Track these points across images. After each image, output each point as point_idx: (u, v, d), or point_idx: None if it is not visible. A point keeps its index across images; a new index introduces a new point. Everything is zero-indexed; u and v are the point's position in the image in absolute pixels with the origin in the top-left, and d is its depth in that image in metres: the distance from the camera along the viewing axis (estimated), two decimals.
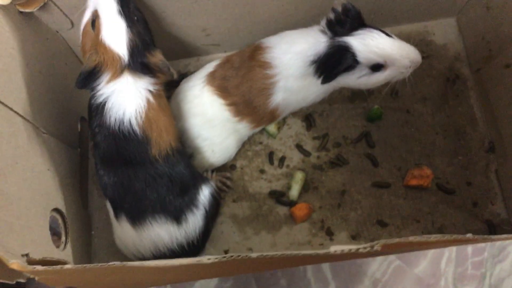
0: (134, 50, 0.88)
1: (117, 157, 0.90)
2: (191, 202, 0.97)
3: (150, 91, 0.90)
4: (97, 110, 0.90)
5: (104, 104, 0.89)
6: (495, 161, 1.15)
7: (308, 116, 1.22)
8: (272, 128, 1.19)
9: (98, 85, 0.89)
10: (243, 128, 1.07)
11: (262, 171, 1.19)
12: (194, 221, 0.97)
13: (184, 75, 1.24)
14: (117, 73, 0.88)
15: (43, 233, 0.84)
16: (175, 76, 0.92)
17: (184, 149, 1.00)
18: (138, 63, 0.89)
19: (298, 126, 1.22)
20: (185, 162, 0.97)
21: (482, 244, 1.09)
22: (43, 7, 0.96)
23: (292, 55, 0.97)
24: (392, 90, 0.95)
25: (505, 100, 1.08)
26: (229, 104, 1.02)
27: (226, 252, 1.11)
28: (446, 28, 1.27)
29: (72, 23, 1.03)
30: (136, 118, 0.88)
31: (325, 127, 1.22)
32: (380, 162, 1.18)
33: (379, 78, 0.96)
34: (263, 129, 1.19)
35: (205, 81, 1.03)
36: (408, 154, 1.19)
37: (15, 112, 0.84)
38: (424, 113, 1.21)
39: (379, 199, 1.15)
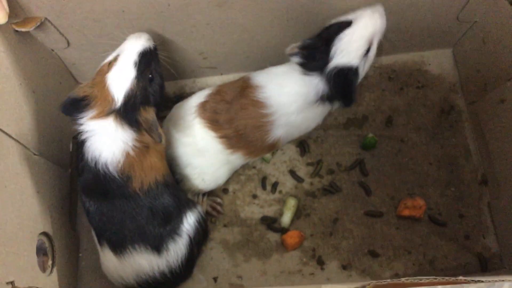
0: (130, 99, 0.87)
1: (97, 189, 0.89)
2: (173, 231, 0.96)
3: (129, 145, 0.88)
4: (79, 143, 0.90)
5: (84, 141, 0.88)
6: (488, 194, 1.15)
7: (302, 141, 1.21)
8: None
9: (80, 117, 0.88)
10: (237, 159, 1.06)
11: (254, 196, 1.18)
12: (176, 250, 0.96)
13: (179, 97, 1.23)
14: (103, 114, 0.87)
15: (29, 258, 0.82)
16: (163, 140, 0.90)
17: (171, 177, 0.99)
18: (128, 113, 0.87)
19: (292, 152, 1.22)
20: (170, 191, 0.95)
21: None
22: (39, 26, 0.95)
23: (289, 97, 0.97)
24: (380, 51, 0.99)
25: (499, 134, 1.08)
26: (221, 137, 1.00)
27: (215, 279, 1.09)
28: (442, 59, 1.27)
29: (68, 42, 1.03)
30: (112, 164, 0.87)
31: (319, 153, 1.22)
32: (373, 191, 1.18)
33: (373, 52, 0.97)
34: None
35: (196, 112, 1.01)
36: (401, 184, 1.18)
37: (7, 134, 0.83)
38: (418, 143, 1.21)
39: (371, 228, 1.15)
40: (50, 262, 0.92)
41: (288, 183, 1.19)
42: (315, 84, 0.94)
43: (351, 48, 0.91)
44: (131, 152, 0.88)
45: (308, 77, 0.95)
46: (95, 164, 0.87)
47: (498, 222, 1.11)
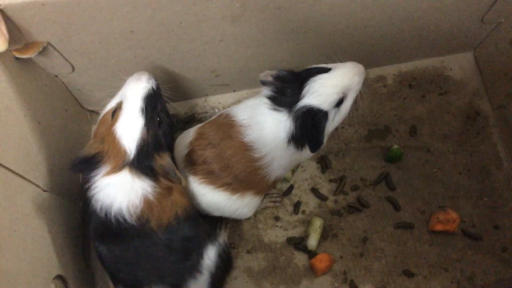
0: (143, 149, 0.82)
1: (108, 233, 0.82)
2: (193, 268, 0.89)
3: (149, 191, 0.82)
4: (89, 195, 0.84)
5: (95, 195, 0.82)
6: None
7: (323, 157, 1.15)
8: None
9: (94, 175, 0.82)
10: (251, 200, 0.99)
11: (277, 218, 1.11)
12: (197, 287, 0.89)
13: (191, 117, 1.17)
14: (117, 168, 0.81)
15: None
16: (183, 182, 0.84)
17: (193, 207, 0.92)
18: (143, 163, 0.82)
19: (313, 168, 1.15)
20: (191, 223, 0.88)
21: None
22: (42, 51, 0.88)
23: (272, 140, 0.90)
24: (356, 107, 0.94)
25: None
26: (221, 186, 0.93)
27: None
28: (463, 63, 1.22)
29: (73, 67, 0.96)
30: (128, 211, 0.81)
31: (342, 168, 1.15)
32: (402, 206, 1.11)
33: (347, 107, 0.92)
34: None
35: (187, 168, 0.94)
36: (431, 196, 1.12)
37: (14, 172, 0.76)
38: (446, 152, 1.15)
39: (403, 246, 1.08)
40: None
41: (311, 202, 1.12)
42: (283, 121, 0.88)
43: (322, 92, 0.86)
44: (151, 197, 0.82)
45: (276, 114, 0.88)
46: (106, 214, 0.81)
47: None
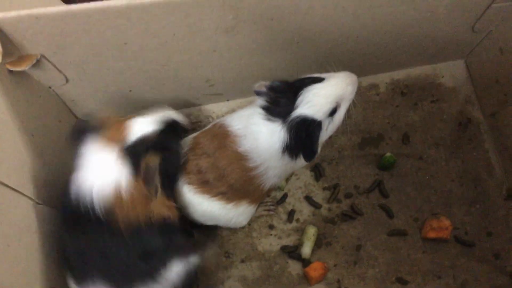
0: (142, 140, 0.85)
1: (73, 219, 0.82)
2: (148, 274, 0.86)
3: (122, 182, 0.82)
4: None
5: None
6: None
7: (316, 165, 1.15)
8: None
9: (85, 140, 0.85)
10: (246, 209, 0.99)
11: (271, 227, 1.11)
12: None
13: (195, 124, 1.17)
14: (108, 146, 0.84)
15: None
16: (158, 195, 0.85)
17: (175, 220, 0.90)
18: (133, 151, 0.84)
19: (307, 176, 1.16)
20: (163, 234, 0.86)
21: None
22: (35, 64, 0.88)
23: (267, 149, 0.90)
24: (349, 115, 0.96)
25: None
26: (216, 195, 0.94)
27: None
28: (455, 71, 1.23)
29: (67, 78, 0.96)
30: (98, 195, 0.81)
31: (335, 176, 1.16)
32: (396, 213, 1.12)
33: (340, 116, 0.93)
34: None
35: (182, 179, 0.94)
36: (424, 203, 1.13)
37: (8, 186, 0.76)
38: (438, 159, 1.16)
39: (396, 253, 1.09)
40: None
41: (305, 210, 1.13)
42: (277, 131, 0.89)
43: (316, 102, 0.87)
44: (123, 190, 0.82)
45: (271, 124, 0.89)
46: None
47: None
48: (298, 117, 0.87)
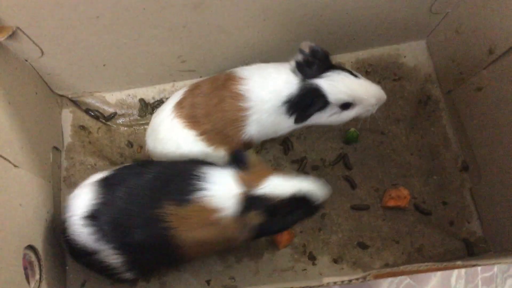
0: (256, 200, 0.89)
1: None
2: None
3: None
4: None
5: None
6: (469, 180, 1.18)
7: (285, 140, 1.22)
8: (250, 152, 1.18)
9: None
10: (221, 159, 1.06)
11: None
12: None
13: (159, 101, 1.22)
14: (240, 182, 0.91)
15: (16, 273, 0.80)
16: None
17: None
18: (248, 204, 0.89)
19: (276, 150, 1.22)
20: None
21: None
22: (11, 35, 0.92)
23: (268, 91, 0.97)
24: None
25: (477, 122, 1.11)
26: (201, 134, 1.00)
27: (208, 282, 1.08)
28: (416, 51, 1.30)
29: (42, 51, 1.00)
30: None
31: (303, 150, 1.22)
32: (358, 184, 1.19)
33: (349, 115, 1.00)
34: None
35: (174, 113, 1.01)
36: (385, 175, 1.20)
37: None
38: (399, 134, 1.23)
39: (359, 221, 1.16)
40: (37, 276, 0.90)
41: None
42: (293, 84, 0.96)
43: (337, 84, 0.94)
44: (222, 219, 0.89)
45: (293, 76, 0.96)
46: None
47: (481, 207, 1.14)
48: (316, 84, 0.94)
